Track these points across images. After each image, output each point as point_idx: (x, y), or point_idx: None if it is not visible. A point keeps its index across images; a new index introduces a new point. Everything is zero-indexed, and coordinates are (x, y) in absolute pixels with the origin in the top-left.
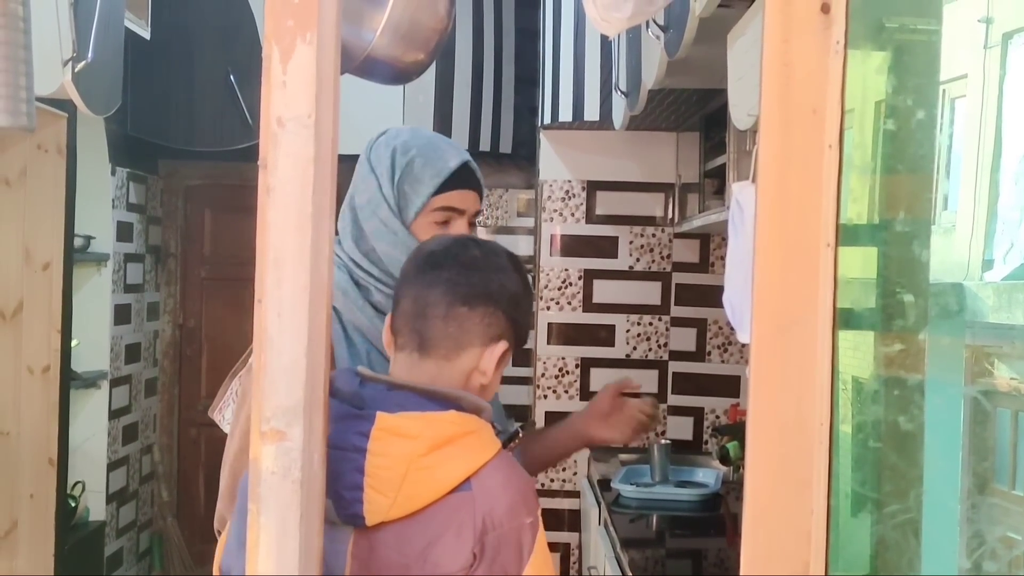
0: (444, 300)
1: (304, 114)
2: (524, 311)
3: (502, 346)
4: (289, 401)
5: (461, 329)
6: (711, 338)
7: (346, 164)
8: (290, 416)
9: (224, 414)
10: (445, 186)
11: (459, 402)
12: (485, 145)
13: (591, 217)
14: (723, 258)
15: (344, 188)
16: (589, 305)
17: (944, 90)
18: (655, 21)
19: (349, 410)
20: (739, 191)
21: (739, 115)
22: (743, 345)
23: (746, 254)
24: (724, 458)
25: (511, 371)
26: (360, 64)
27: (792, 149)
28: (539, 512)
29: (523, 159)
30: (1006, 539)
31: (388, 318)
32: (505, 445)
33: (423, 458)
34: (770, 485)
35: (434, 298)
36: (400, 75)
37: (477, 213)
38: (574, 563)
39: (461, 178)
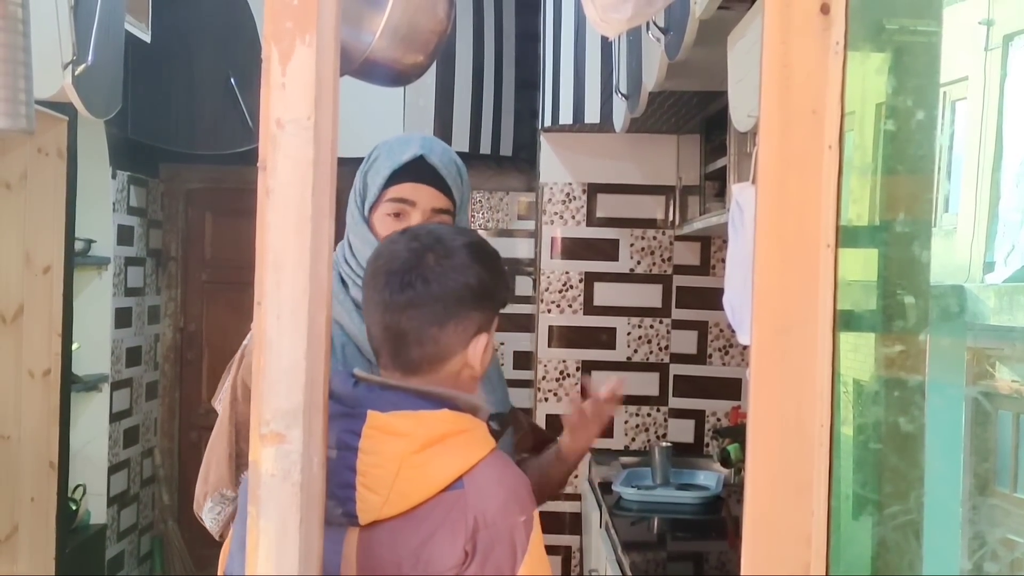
0: (413, 327)
1: (303, 116)
2: (496, 291)
3: (483, 338)
4: (289, 404)
5: (438, 347)
6: (712, 340)
7: (347, 167)
8: (290, 419)
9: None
10: (398, 178)
11: (454, 402)
12: (486, 148)
13: (592, 220)
14: (724, 260)
15: (344, 191)
16: (590, 308)
17: (945, 92)
18: (655, 23)
19: (342, 409)
20: (739, 192)
21: (739, 117)
22: (744, 347)
23: (746, 255)
24: (725, 460)
25: (512, 374)
26: (359, 66)
27: (792, 150)
28: (534, 511)
29: (524, 162)
30: (1007, 541)
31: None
32: (499, 433)
33: (415, 456)
34: (770, 487)
35: (403, 326)
36: (399, 77)
37: (441, 211)
38: (575, 566)
39: (415, 171)
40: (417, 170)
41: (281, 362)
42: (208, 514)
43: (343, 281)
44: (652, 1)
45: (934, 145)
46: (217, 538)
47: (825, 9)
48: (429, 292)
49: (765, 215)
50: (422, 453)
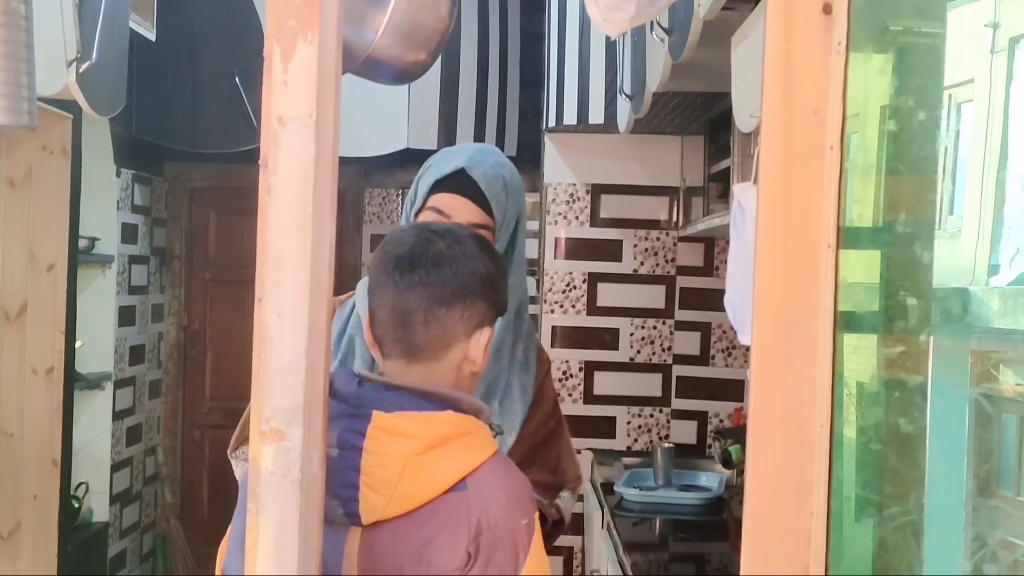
0: (421, 306)
1: (305, 113)
2: (500, 288)
3: (487, 332)
4: (289, 401)
5: (444, 330)
6: (715, 342)
7: (351, 166)
8: (290, 416)
9: None
10: (440, 187)
11: (457, 403)
12: None
13: (595, 220)
14: (727, 261)
15: (346, 189)
16: (593, 308)
17: (951, 94)
18: (659, 24)
19: (346, 409)
20: (741, 192)
21: (742, 117)
22: (747, 349)
23: (748, 256)
24: (727, 461)
25: None
26: (362, 64)
27: (794, 150)
28: (535, 514)
29: (528, 162)
30: (1008, 543)
31: (366, 322)
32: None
33: (419, 457)
34: (770, 487)
35: (411, 305)
36: (402, 75)
37: (481, 227)
38: (577, 566)
39: (456, 183)
40: (458, 182)
41: (282, 359)
42: None
43: None
44: (655, 1)
45: (938, 147)
46: None
47: (827, 9)
48: (439, 274)
49: (767, 216)
50: (426, 454)
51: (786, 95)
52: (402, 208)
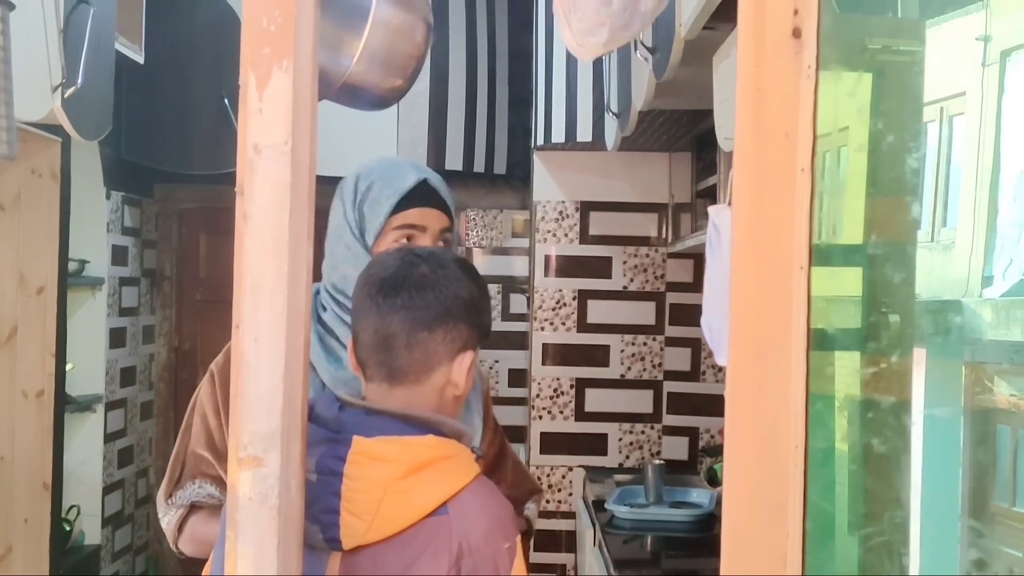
0: (404, 329)
1: (281, 141)
2: (483, 312)
3: (469, 356)
4: (267, 428)
5: (426, 353)
6: (705, 357)
7: (335, 186)
8: (267, 442)
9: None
10: (403, 204)
11: (439, 427)
12: (479, 166)
13: (585, 237)
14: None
15: (326, 213)
16: (583, 325)
17: (942, 107)
18: (643, 43)
19: (327, 434)
20: (716, 214)
21: (723, 137)
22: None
23: (723, 277)
24: (712, 479)
25: (506, 391)
26: (338, 90)
27: (765, 173)
28: (517, 538)
29: (517, 180)
30: (1003, 555)
31: (350, 344)
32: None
33: (400, 482)
34: (746, 508)
35: (393, 328)
36: (378, 101)
37: (446, 230)
38: None
39: (420, 196)
40: (422, 194)
41: (259, 385)
42: None
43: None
44: (628, 25)
45: (917, 165)
46: None
47: (797, 33)
48: (422, 298)
49: (740, 237)
50: (407, 479)
51: (757, 118)
52: (365, 238)
